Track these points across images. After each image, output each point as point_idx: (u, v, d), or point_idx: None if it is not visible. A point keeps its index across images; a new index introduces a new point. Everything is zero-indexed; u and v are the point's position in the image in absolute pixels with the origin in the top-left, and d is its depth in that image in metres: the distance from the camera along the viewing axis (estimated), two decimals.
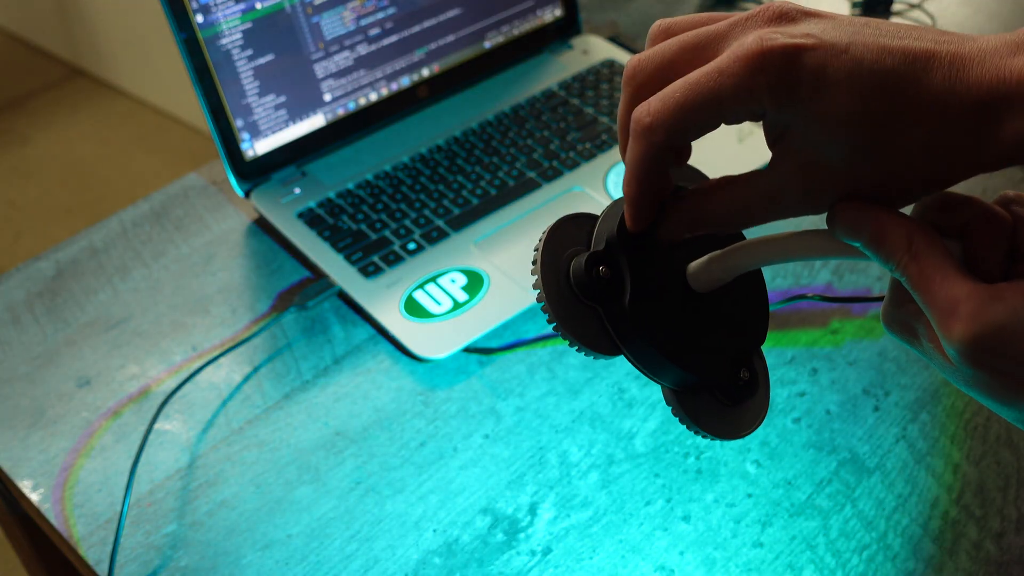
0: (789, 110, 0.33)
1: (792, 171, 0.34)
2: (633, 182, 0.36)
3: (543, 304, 0.38)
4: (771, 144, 0.35)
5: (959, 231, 0.35)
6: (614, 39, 1.07)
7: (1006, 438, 0.69)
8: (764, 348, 0.41)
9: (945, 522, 0.65)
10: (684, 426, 0.39)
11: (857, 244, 0.34)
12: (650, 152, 0.35)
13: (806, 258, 0.36)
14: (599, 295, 0.37)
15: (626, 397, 0.73)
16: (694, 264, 0.38)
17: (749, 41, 0.32)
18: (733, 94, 0.33)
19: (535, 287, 0.38)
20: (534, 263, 0.38)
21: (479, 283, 0.81)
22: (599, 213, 0.40)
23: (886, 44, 0.32)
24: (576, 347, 0.38)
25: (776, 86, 0.32)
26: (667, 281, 0.38)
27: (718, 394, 0.39)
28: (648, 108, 0.34)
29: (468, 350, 0.77)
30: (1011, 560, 0.63)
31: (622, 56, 1.03)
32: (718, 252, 0.38)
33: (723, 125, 0.35)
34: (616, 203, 0.39)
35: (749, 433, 0.40)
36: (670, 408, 0.39)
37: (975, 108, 0.32)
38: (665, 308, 0.38)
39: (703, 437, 0.39)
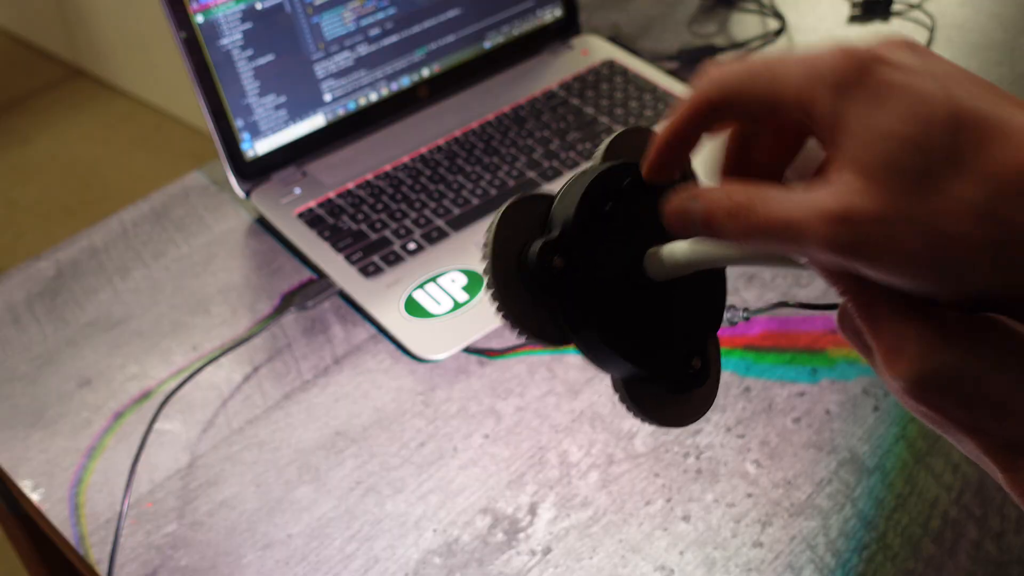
0: (838, 111, 0.30)
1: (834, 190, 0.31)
2: (669, 126, 0.35)
3: (491, 292, 0.36)
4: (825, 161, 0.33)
5: None
6: (614, 39, 1.07)
7: None
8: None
9: (945, 522, 0.65)
10: (630, 413, 0.38)
11: (804, 261, 0.33)
12: (698, 103, 0.34)
13: (769, 265, 0.35)
14: (551, 286, 0.36)
15: None
16: (651, 254, 0.37)
17: (841, 45, 0.31)
18: (791, 73, 0.31)
19: (484, 273, 0.36)
20: (484, 246, 0.36)
21: (479, 283, 0.81)
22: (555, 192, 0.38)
23: (993, 98, 0.29)
24: (524, 339, 0.37)
25: (833, 79, 0.30)
26: (623, 268, 0.37)
27: (668, 383, 0.38)
28: (723, 66, 0.33)
29: (468, 350, 0.77)
30: (1011, 560, 0.63)
31: (622, 56, 1.03)
32: (676, 245, 0.37)
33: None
34: (572, 182, 0.38)
35: (696, 420, 0.39)
36: (617, 395, 0.38)
37: None
38: (619, 299, 0.37)
39: (649, 424, 0.38)
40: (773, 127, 0.36)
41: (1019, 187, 0.28)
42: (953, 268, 0.29)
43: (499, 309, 0.37)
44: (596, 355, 0.37)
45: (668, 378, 0.38)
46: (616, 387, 0.38)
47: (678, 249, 0.37)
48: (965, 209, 0.28)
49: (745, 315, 0.71)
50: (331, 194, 0.89)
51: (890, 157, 0.29)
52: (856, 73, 0.30)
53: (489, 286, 0.36)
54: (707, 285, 0.39)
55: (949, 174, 0.28)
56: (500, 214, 0.37)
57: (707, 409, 0.40)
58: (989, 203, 0.28)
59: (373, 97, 0.94)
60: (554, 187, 0.89)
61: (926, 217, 0.28)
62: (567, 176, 0.90)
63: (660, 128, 0.36)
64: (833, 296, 0.33)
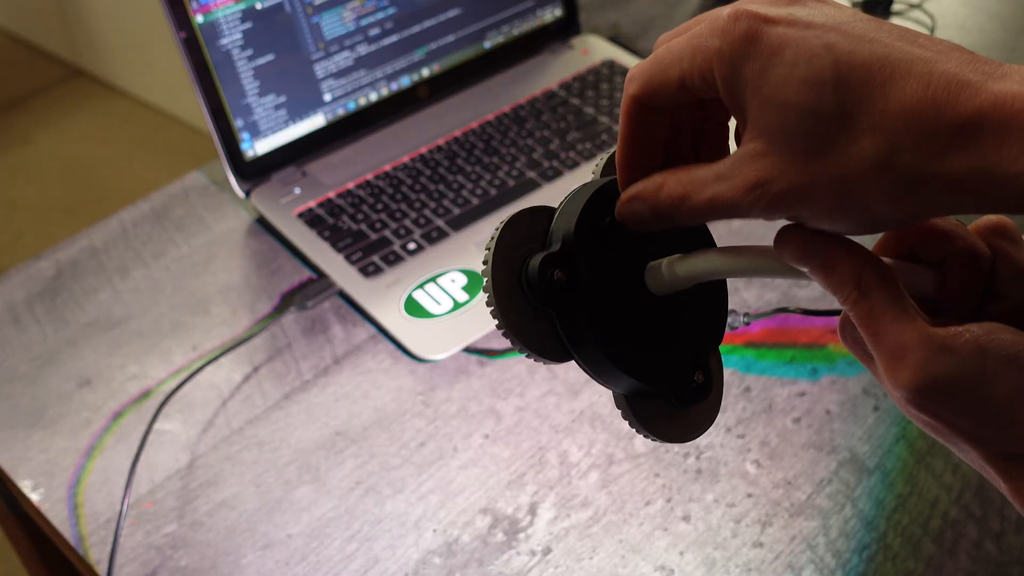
0: (738, 82, 0.31)
1: (742, 160, 0.32)
2: (619, 145, 0.36)
3: (491, 309, 0.36)
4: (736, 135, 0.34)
5: (937, 262, 0.34)
6: (614, 39, 1.07)
7: None
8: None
9: (945, 522, 0.65)
10: (634, 429, 0.38)
11: (805, 271, 0.33)
12: (627, 104, 0.34)
13: (769, 276, 0.35)
14: (552, 299, 0.36)
15: None
16: (651, 267, 0.37)
17: (727, 10, 0.31)
18: (691, 54, 0.32)
19: (484, 290, 0.36)
20: (485, 263, 0.36)
21: (479, 283, 0.81)
22: (556, 206, 0.38)
23: (873, 37, 0.29)
24: (525, 354, 0.37)
25: (728, 52, 0.31)
26: (624, 282, 0.37)
27: (671, 398, 0.38)
28: (639, 63, 0.34)
29: (468, 350, 0.77)
30: (1011, 560, 0.63)
31: (622, 56, 1.03)
32: (676, 258, 0.37)
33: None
34: (572, 196, 0.38)
35: (700, 435, 0.39)
36: (620, 412, 0.38)
37: (953, 130, 0.28)
38: (621, 313, 0.37)
39: (653, 440, 0.38)
40: (698, 106, 0.37)
41: (906, 128, 0.29)
42: (862, 213, 0.30)
43: (500, 325, 0.36)
44: (598, 370, 0.37)
45: (670, 393, 0.38)
46: (618, 403, 0.38)
47: (678, 263, 0.37)
48: (864, 164, 0.29)
49: (746, 320, 0.71)
50: (331, 194, 0.89)
51: (787, 125, 0.30)
52: (744, 41, 0.31)
53: (490, 302, 0.36)
54: (708, 298, 0.39)
55: (843, 133, 0.29)
56: (500, 229, 0.37)
57: (710, 423, 0.39)
58: (884, 154, 0.29)
59: (373, 97, 0.94)
60: (554, 187, 0.90)
61: (829, 175, 0.30)
62: (567, 176, 0.90)
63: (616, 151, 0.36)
64: (835, 300, 0.33)
